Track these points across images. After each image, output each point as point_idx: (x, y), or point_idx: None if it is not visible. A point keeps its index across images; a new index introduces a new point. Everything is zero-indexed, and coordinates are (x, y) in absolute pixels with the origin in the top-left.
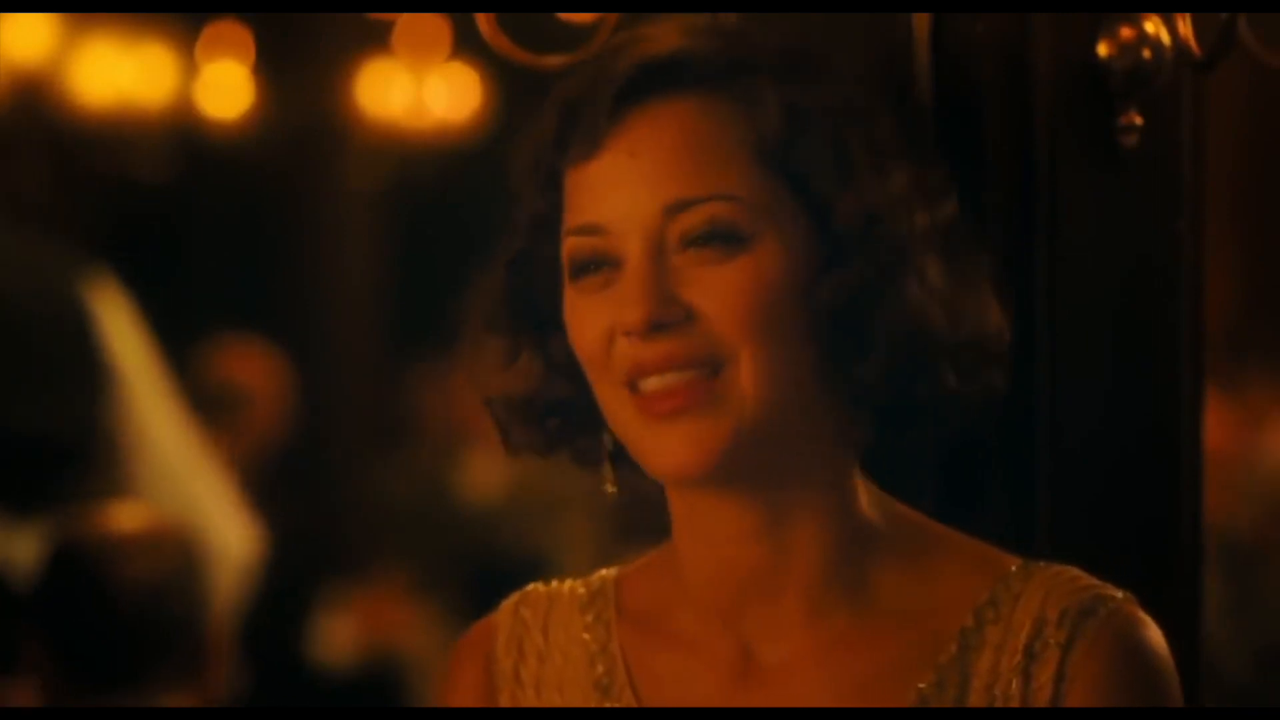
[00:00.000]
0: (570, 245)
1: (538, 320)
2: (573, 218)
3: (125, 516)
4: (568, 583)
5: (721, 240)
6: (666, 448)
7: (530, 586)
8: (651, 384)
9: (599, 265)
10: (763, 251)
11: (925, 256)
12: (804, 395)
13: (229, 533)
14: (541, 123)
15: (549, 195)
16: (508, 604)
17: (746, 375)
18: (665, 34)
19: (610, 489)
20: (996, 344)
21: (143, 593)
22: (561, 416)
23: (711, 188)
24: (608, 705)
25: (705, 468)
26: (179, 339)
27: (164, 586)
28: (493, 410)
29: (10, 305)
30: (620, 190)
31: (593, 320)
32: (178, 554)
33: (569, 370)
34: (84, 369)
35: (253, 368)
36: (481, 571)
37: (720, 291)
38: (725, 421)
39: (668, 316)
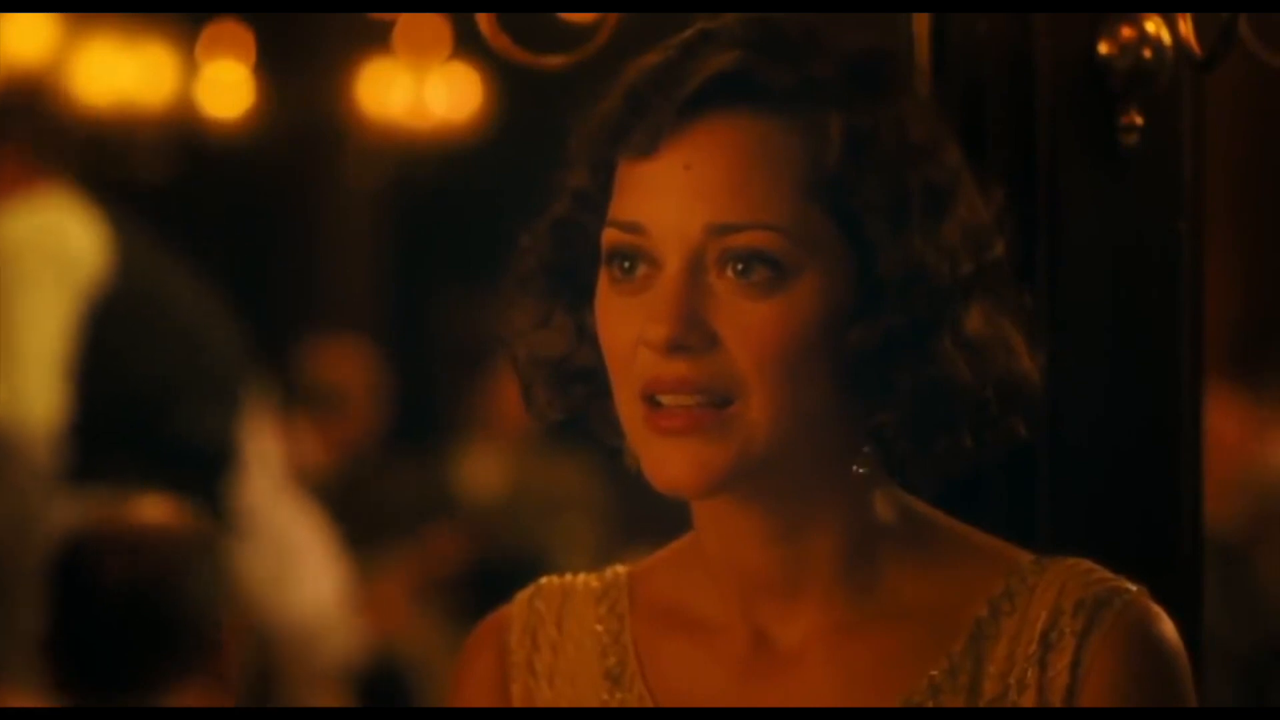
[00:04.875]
0: (610, 236)
1: (574, 286)
2: (617, 210)
3: (141, 508)
4: (581, 576)
5: (763, 266)
6: (667, 462)
7: (544, 579)
8: (664, 400)
9: (635, 260)
10: (800, 292)
11: (964, 306)
12: (817, 428)
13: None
14: (604, 105)
15: (598, 177)
16: (522, 596)
17: (758, 409)
18: (736, 39)
19: (635, 463)
20: (1021, 392)
21: (157, 584)
22: (587, 384)
23: (758, 215)
24: (618, 695)
25: (702, 488)
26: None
27: (178, 578)
28: (519, 370)
29: (187, 321)
30: (668, 199)
31: (623, 323)
32: (194, 546)
33: (597, 339)
34: (235, 387)
35: None
36: (481, 571)
37: (749, 329)
38: (730, 448)
39: (691, 340)
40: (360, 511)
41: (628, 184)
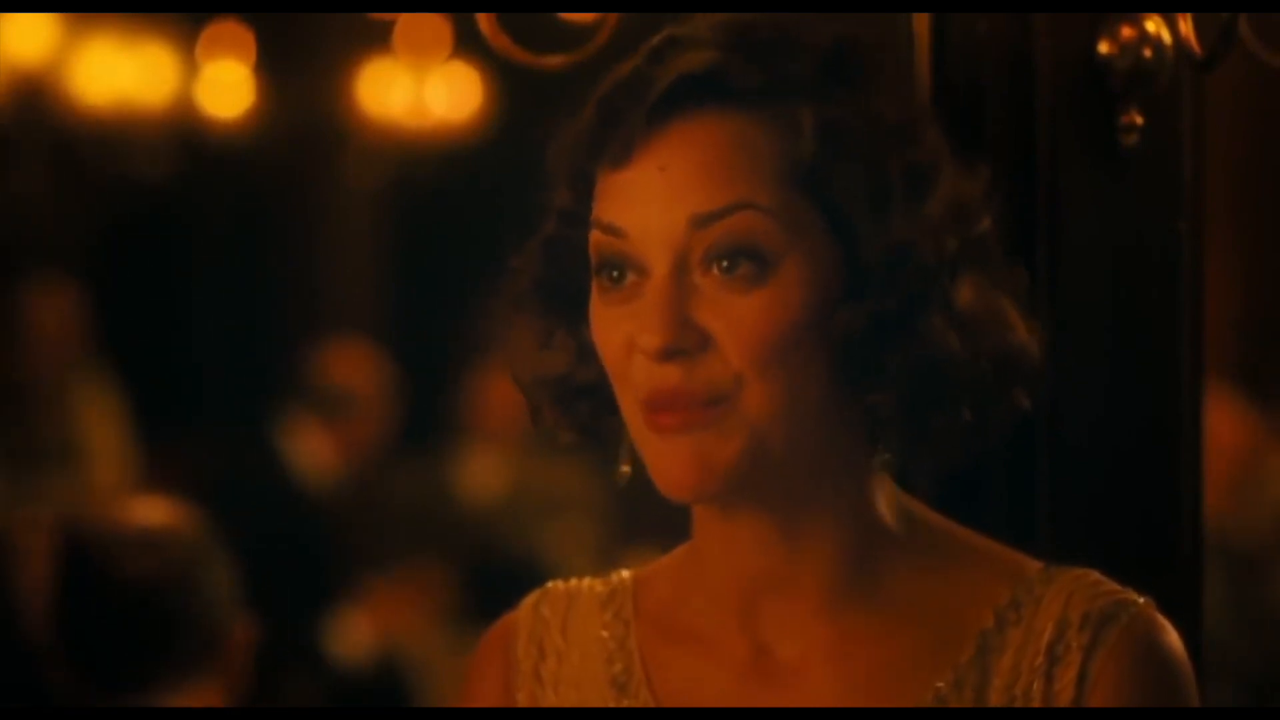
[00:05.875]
0: (596, 239)
1: (571, 304)
2: (600, 212)
3: (138, 509)
4: (586, 580)
5: (746, 260)
6: (671, 465)
7: (550, 584)
8: (664, 412)
9: (623, 269)
10: (785, 281)
11: (953, 282)
12: (817, 420)
13: None
14: (578, 119)
15: (579, 191)
16: (528, 602)
17: (757, 403)
18: (705, 42)
19: (625, 469)
20: (1020, 364)
21: (158, 586)
22: (592, 399)
23: (738, 197)
24: (624, 702)
25: (706, 490)
26: (176, 338)
27: (180, 580)
28: (525, 392)
29: None
30: (648, 204)
31: (615, 331)
32: (200, 546)
33: (597, 354)
34: None
35: None
36: (482, 572)
37: (739, 323)
38: (731, 445)
39: (684, 343)
40: (366, 513)
41: (607, 192)
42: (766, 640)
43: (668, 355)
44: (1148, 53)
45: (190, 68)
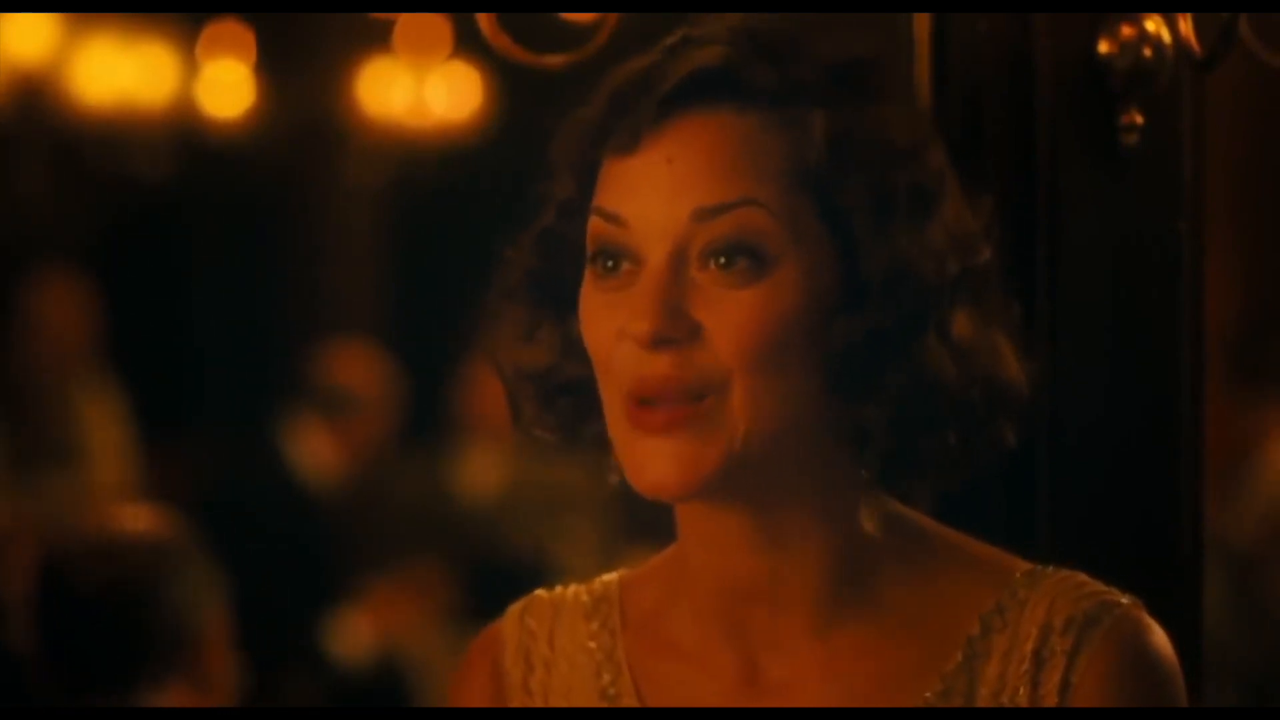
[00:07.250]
0: (594, 225)
1: (560, 298)
2: (601, 200)
3: (114, 518)
4: (571, 588)
5: (744, 257)
6: (649, 463)
7: (535, 593)
8: (648, 409)
9: (619, 258)
10: (783, 280)
11: (951, 308)
12: (803, 428)
13: None
14: (588, 108)
15: (582, 180)
16: (513, 612)
17: (744, 403)
18: (720, 40)
19: (615, 478)
20: (1009, 397)
21: (136, 592)
22: (574, 397)
23: (743, 193)
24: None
25: (685, 489)
26: (177, 338)
27: (157, 586)
28: (506, 385)
29: None
30: (651, 194)
31: (605, 319)
32: (161, 553)
33: (585, 351)
34: None
35: None
36: (482, 571)
37: (732, 316)
38: (714, 446)
39: (674, 332)
40: (367, 513)
41: (610, 180)
42: (755, 655)
43: (657, 342)
44: (1148, 53)
45: (190, 68)
